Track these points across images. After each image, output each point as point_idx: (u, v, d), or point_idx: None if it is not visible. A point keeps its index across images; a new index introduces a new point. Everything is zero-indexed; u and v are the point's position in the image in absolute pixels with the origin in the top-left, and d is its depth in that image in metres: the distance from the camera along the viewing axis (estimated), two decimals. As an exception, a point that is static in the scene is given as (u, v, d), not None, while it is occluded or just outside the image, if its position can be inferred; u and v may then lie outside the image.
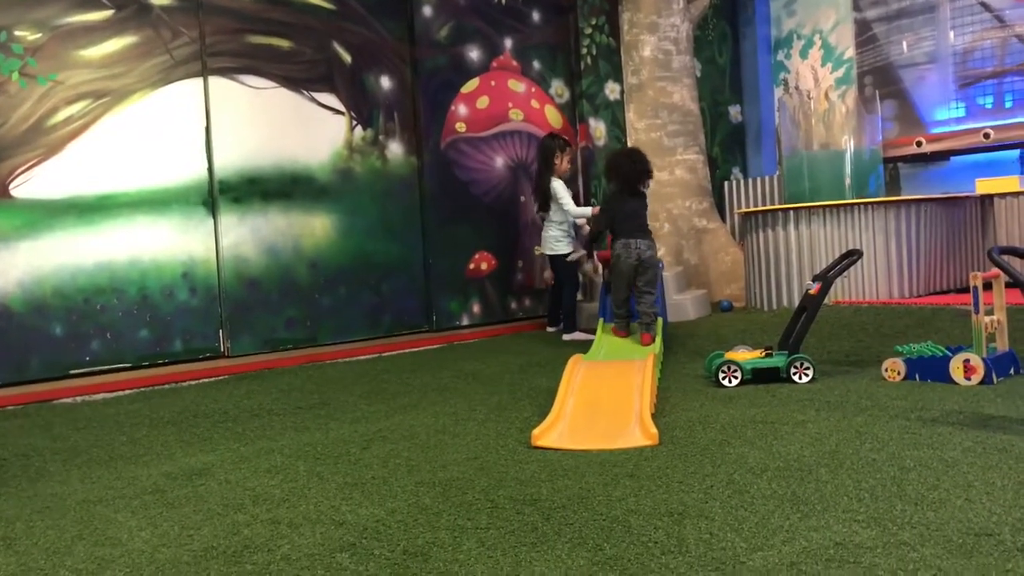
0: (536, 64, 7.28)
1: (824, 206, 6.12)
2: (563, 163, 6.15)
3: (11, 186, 4.95)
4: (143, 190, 5.35)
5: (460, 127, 6.78)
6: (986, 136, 6.92)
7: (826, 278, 4.18)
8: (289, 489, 2.68)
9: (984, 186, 6.60)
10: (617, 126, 7.60)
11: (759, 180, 8.16)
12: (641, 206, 4.96)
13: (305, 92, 6.01)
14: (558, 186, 6.06)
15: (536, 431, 3.09)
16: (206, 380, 5.12)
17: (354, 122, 6.24)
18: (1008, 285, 3.74)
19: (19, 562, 2.17)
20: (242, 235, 5.70)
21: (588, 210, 6.03)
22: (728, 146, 8.57)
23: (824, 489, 2.36)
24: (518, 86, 7.15)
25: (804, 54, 8.23)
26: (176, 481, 2.86)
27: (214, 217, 5.60)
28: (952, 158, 7.33)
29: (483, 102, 6.91)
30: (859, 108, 6.99)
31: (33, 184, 5.00)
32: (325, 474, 2.84)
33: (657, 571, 1.87)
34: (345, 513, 2.39)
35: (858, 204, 6.09)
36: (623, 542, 2.04)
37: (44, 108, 5.06)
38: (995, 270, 3.61)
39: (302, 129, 5.97)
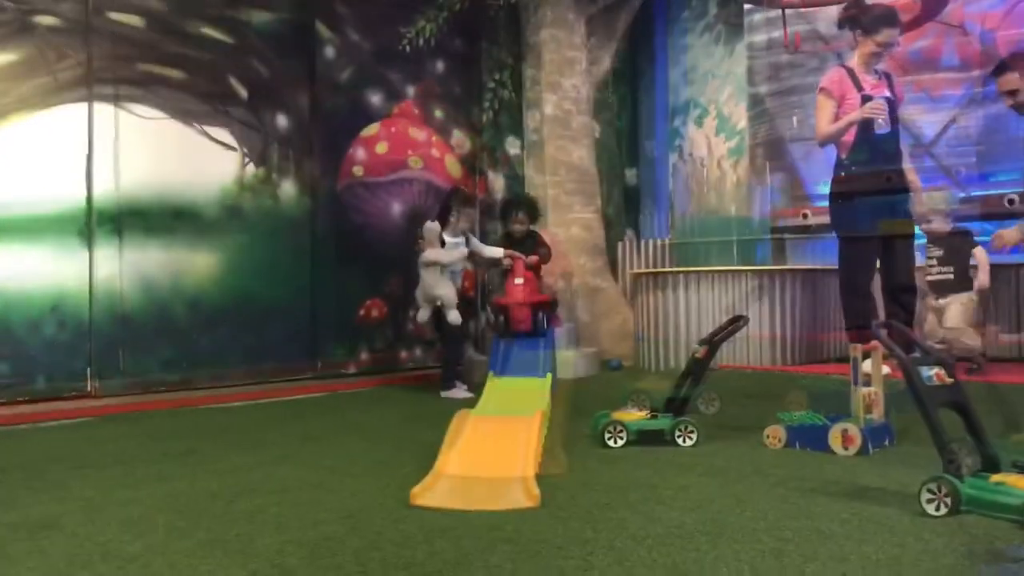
0: (438, 114, 7.27)
1: (712, 271, 6.24)
2: (458, 221, 5.88)
3: None
4: (14, 216, 5.05)
5: (358, 171, 6.68)
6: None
7: (712, 342, 4.22)
8: (144, 545, 2.49)
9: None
10: (517, 181, 7.63)
11: (651, 242, 8.31)
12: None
13: (196, 125, 5.83)
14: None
15: (416, 489, 2.97)
16: (69, 421, 4.81)
17: (246, 159, 6.07)
18: (886, 358, 3.83)
19: None
20: (118, 268, 5.44)
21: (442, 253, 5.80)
22: (623, 207, 8.71)
23: (704, 559, 2.32)
24: (419, 134, 7.11)
25: (699, 123, 8.47)
26: (18, 533, 2.62)
27: (90, 248, 5.33)
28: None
29: (382, 147, 6.85)
30: (750, 178, 7.21)
31: None
32: (185, 529, 2.65)
33: (531, 645, 1.78)
34: (202, 574, 2.22)
35: (745, 271, 6.23)
36: (497, 612, 1.95)
37: (-92, 123, 4.74)
38: (875, 342, 3.70)
39: (191, 163, 5.77)
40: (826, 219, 5.42)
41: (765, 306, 6.15)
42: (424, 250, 5.70)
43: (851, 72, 5.11)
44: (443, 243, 5.74)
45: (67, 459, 3.79)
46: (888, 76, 5.21)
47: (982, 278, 5.70)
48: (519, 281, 5.53)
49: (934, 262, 5.77)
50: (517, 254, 5.74)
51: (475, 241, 6.02)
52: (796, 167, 7.83)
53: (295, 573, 2.23)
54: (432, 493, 2.98)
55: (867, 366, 3.87)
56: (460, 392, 5.65)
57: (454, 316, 5.71)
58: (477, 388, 5.55)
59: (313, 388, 6.04)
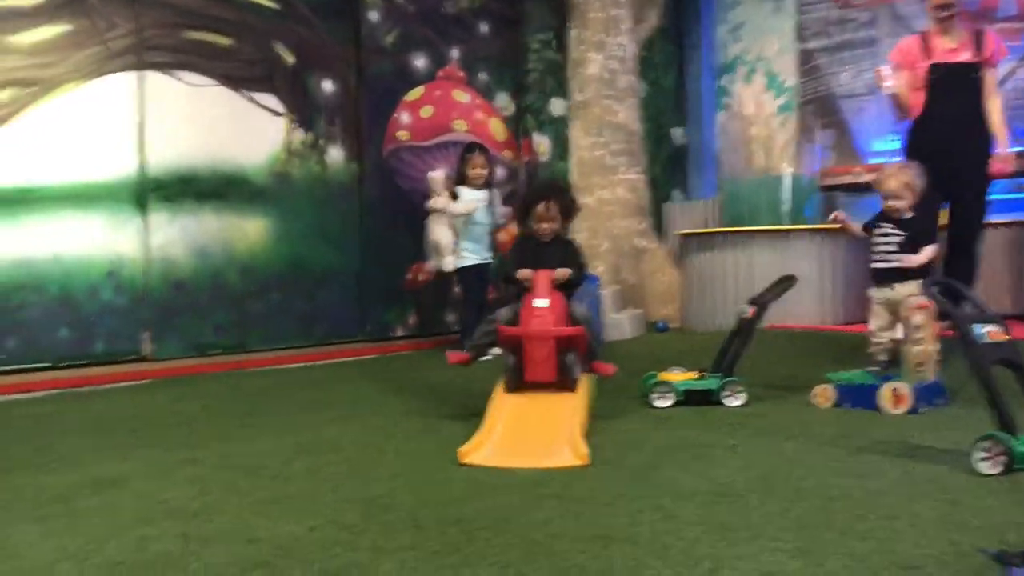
0: (483, 76, 7.24)
1: (761, 231, 6.18)
2: (472, 168, 5.82)
3: (-73, 174, 4.73)
4: (70, 184, 5.16)
5: (403, 135, 6.70)
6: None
7: (761, 302, 4.19)
8: (205, 503, 2.57)
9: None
10: (561, 142, 7.59)
11: (698, 202, 8.23)
12: None
13: (244, 92, 5.88)
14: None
15: (464, 448, 3.02)
16: (127, 384, 4.95)
17: (294, 125, 6.12)
18: (939, 317, 3.79)
19: (-95, 574, 2.03)
20: (172, 235, 5.54)
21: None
22: (669, 168, 8.63)
23: (752, 517, 2.33)
24: (463, 97, 7.10)
25: (748, 80, 8.33)
26: (85, 491, 2.72)
27: (143, 216, 5.43)
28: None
29: (427, 111, 6.85)
30: (799, 136, 7.10)
31: (-49, 173, 4.79)
32: (244, 487, 2.73)
33: (581, 598, 1.81)
34: (261, 529, 2.29)
35: (794, 230, 6.15)
36: (547, 566, 1.98)
37: (-32, 95, 4.85)
38: (927, 301, 3.65)
39: (239, 130, 5.83)
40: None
41: (814, 265, 6.07)
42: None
43: (924, 38, 4.92)
44: (456, 197, 5.79)
45: (127, 421, 3.90)
46: (979, 34, 4.92)
47: None
48: (542, 304, 3.52)
49: None
50: (529, 274, 3.67)
51: (496, 199, 5.96)
52: (847, 124, 7.69)
53: (352, 529, 2.29)
54: (480, 452, 3.03)
55: (919, 323, 3.82)
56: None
57: (446, 262, 5.79)
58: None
59: (362, 351, 6.12)
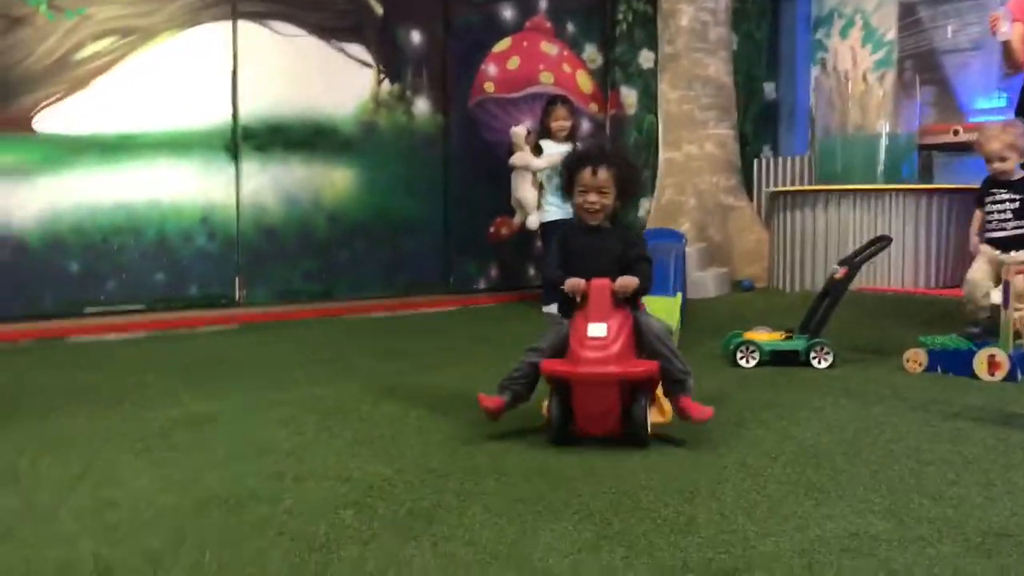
0: (570, 27, 7.15)
1: (855, 190, 6.01)
2: (555, 120, 5.72)
3: (34, 120, 4.91)
4: (166, 132, 5.30)
5: (489, 87, 6.68)
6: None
7: (853, 263, 4.09)
8: (296, 442, 2.65)
9: None
10: (649, 96, 7.47)
11: (789, 160, 8.02)
12: None
13: (334, 42, 5.93)
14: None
15: (547, 400, 3.03)
16: (219, 327, 5.10)
17: (382, 76, 6.15)
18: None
19: (23, 498, 2.15)
20: (263, 183, 5.66)
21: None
22: (760, 123, 8.42)
23: (840, 478, 2.30)
24: (551, 48, 7.03)
25: (844, 34, 8.04)
26: (182, 427, 2.83)
27: (236, 164, 5.55)
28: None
29: (514, 63, 6.80)
30: (897, 92, 6.85)
31: (56, 119, 4.97)
32: (334, 429, 2.80)
33: (665, 548, 1.82)
34: (352, 470, 2.36)
35: (890, 190, 5.97)
36: (631, 517, 2.00)
37: (71, 43, 5.01)
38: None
39: (328, 80, 5.89)
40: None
41: (910, 226, 5.89)
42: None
43: None
44: (540, 151, 5.71)
45: (221, 362, 4.04)
46: None
47: None
48: (598, 332, 2.60)
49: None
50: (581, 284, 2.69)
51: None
52: (949, 80, 7.37)
53: (438, 472, 2.34)
54: (564, 404, 3.03)
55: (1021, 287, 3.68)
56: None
57: (531, 221, 5.75)
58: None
59: (446, 302, 6.18)
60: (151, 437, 2.71)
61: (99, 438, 2.69)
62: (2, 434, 2.74)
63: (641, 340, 2.69)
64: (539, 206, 5.75)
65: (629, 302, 2.71)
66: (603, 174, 2.77)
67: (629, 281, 2.66)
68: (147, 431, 2.78)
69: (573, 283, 2.68)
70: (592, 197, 2.78)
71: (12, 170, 4.85)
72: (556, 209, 5.69)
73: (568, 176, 2.85)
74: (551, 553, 1.80)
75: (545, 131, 5.80)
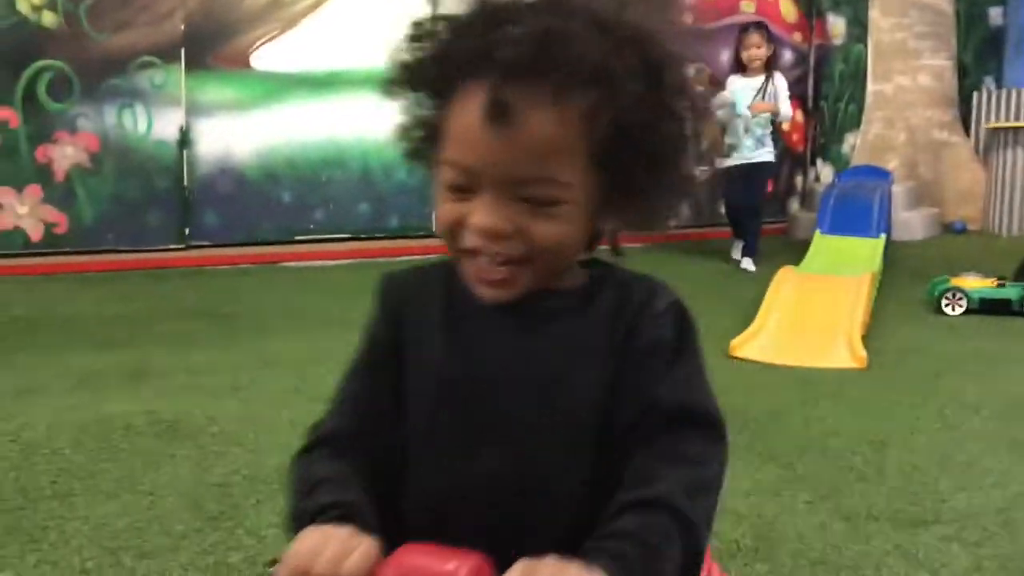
0: (774, -47, 6.82)
1: (1090, 125, 5.48)
2: (747, 49, 5.07)
3: (252, 57, 5.24)
4: (371, 70, 5.50)
5: (686, 17, 6.50)
6: None
7: (1082, 206, 3.76)
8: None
9: None
10: (859, 24, 7.04)
11: (1014, 92, 7.37)
12: None
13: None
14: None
15: (735, 341, 3.02)
16: (418, 257, 5.33)
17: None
18: None
19: (245, 408, 2.38)
20: (460, 118, 5.80)
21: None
22: (982, 52, 7.76)
23: (1049, 436, 2.18)
24: (752, -25, 6.74)
25: (1089, -51, 7.24)
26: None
27: (435, 99, 5.72)
28: None
29: (713, -9, 6.59)
30: None
31: (271, 57, 5.28)
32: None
33: (849, 496, 1.80)
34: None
35: None
36: (817, 463, 1.98)
37: (284, -17, 5.29)
38: None
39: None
40: None
41: None
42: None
43: None
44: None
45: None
46: None
47: None
48: None
49: None
50: None
51: (778, 84, 5.13)
52: None
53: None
54: (752, 346, 3.02)
55: None
56: (749, 264, 5.03)
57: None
58: (794, 248, 5.20)
59: (635, 238, 6.13)
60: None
61: (309, 357, 2.92)
62: (226, 353, 3.02)
63: None
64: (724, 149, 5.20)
65: None
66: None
67: None
68: (351, 353, 2.97)
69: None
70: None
71: (233, 104, 5.21)
72: (735, 154, 5.19)
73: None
74: (728, 492, 1.82)
75: (738, 63, 5.22)
